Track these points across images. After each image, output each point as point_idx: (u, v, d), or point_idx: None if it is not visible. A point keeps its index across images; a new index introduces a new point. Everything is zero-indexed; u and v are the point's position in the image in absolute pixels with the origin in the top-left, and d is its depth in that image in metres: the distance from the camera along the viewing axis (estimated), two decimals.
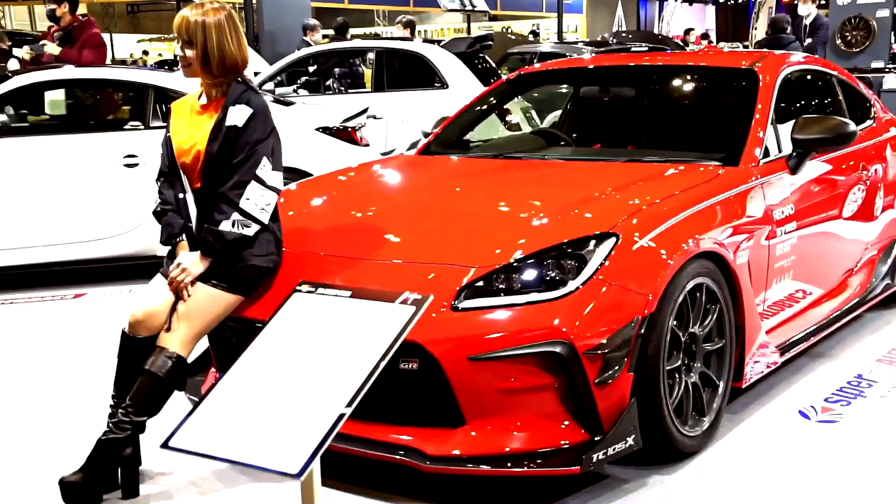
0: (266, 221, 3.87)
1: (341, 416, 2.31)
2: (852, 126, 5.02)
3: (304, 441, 2.31)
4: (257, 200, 3.82)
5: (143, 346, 3.81)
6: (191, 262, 3.81)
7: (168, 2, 18.64)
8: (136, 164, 7.26)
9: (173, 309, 3.81)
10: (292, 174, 7.23)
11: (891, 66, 13.59)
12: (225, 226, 3.78)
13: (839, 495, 3.73)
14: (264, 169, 3.87)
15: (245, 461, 2.37)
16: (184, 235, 3.97)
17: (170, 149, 4.03)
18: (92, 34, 9.39)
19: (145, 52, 26.98)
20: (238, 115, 3.85)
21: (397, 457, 3.63)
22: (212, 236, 3.79)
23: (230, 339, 4.04)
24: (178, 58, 3.98)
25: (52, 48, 9.16)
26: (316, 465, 2.38)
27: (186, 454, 2.61)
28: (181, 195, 4.00)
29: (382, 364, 2.37)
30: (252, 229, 3.83)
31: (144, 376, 3.72)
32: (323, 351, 2.53)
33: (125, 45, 28.09)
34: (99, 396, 4.48)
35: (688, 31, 26.18)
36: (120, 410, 3.73)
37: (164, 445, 2.46)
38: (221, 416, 2.47)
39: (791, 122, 5.01)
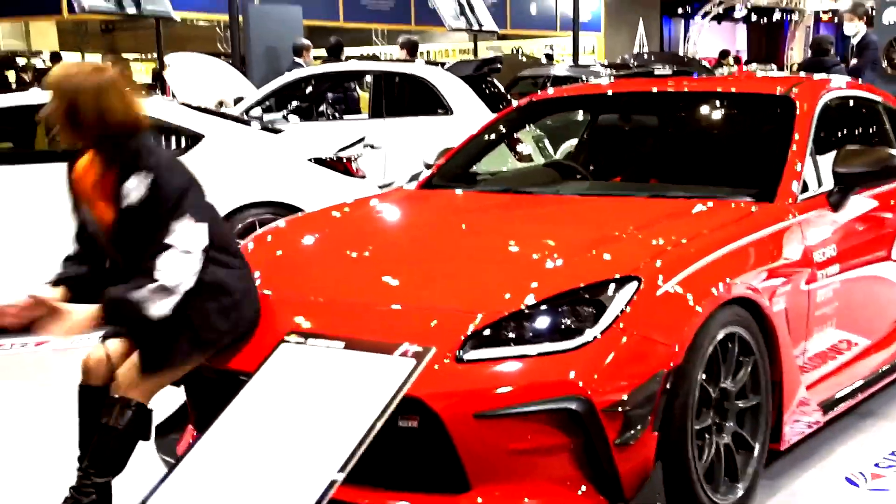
0: (189, 285, 3.71)
1: (333, 482, 2.29)
2: None
3: None
4: (173, 274, 3.71)
5: (103, 397, 3.78)
6: (76, 314, 3.75)
7: (145, 20, 18.72)
8: None
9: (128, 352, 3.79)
10: (281, 209, 7.27)
11: None
12: (142, 299, 3.66)
13: None
14: (180, 234, 3.73)
15: None
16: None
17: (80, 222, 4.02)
18: None
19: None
20: (133, 189, 3.74)
21: None
22: (114, 303, 3.72)
23: (210, 393, 3.92)
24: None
25: None
26: None
27: None
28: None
29: (379, 424, 2.36)
30: (163, 307, 3.67)
31: (102, 431, 3.69)
32: (313, 408, 2.51)
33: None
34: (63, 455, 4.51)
35: (724, 55, 26.03)
36: (79, 472, 3.70)
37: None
38: (200, 482, 2.45)
39: (832, 154, 5.01)
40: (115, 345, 3.86)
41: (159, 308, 3.62)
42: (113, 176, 3.77)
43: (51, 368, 6.51)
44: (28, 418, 5.55)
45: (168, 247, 3.67)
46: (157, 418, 4.35)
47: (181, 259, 3.66)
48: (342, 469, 2.32)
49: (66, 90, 3.72)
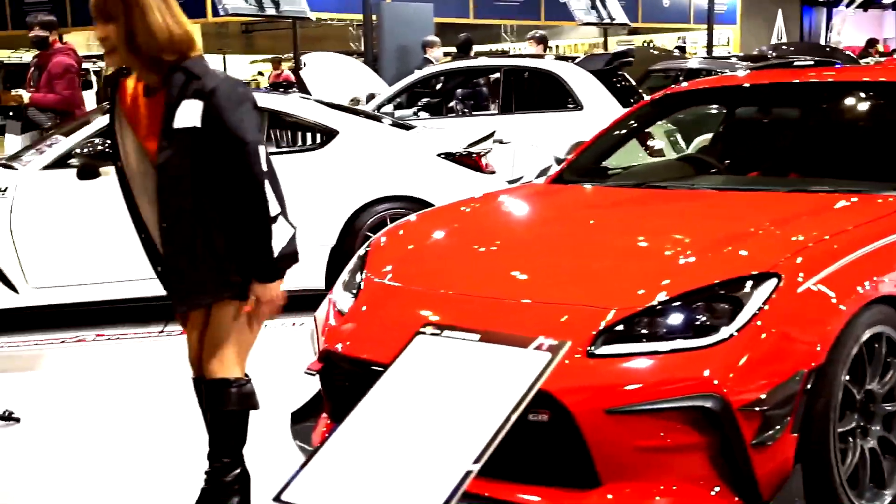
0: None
1: (468, 473, 2.29)
2: None
3: (428, 500, 2.30)
4: (271, 196, 3.58)
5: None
6: (268, 293, 3.68)
7: (283, 20, 19.04)
8: None
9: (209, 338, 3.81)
10: (412, 204, 7.32)
11: None
12: (280, 242, 3.58)
13: None
14: (260, 164, 3.57)
15: None
16: None
17: (115, 138, 3.83)
18: (55, 63, 9.77)
19: (259, 73, 27.67)
20: (188, 112, 3.54)
21: None
22: (278, 262, 3.61)
23: (345, 384, 4.03)
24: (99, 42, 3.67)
25: (25, 95, 9.50)
26: None
27: None
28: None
29: (514, 416, 2.35)
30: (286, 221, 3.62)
31: (215, 417, 3.79)
32: (448, 400, 2.52)
33: (239, 66, 28.88)
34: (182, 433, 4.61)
35: (871, 44, 25.39)
36: (212, 466, 3.78)
37: (276, 499, 2.47)
38: (337, 470, 2.47)
39: None
40: (192, 334, 3.90)
41: (286, 235, 3.61)
42: (168, 99, 3.57)
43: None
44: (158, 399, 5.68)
45: (262, 178, 3.55)
46: (293, 406, 4.46)
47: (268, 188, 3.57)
48: (477, 460, 2.33)
49: (114, 9, 3.51)
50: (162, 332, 7.20)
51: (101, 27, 3.55)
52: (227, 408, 3.76)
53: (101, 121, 7.53)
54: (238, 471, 3.79)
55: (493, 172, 8.21)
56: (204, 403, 3.92)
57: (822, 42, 30.60)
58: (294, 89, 14.03)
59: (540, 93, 11.89)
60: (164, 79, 3.58)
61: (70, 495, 4.57)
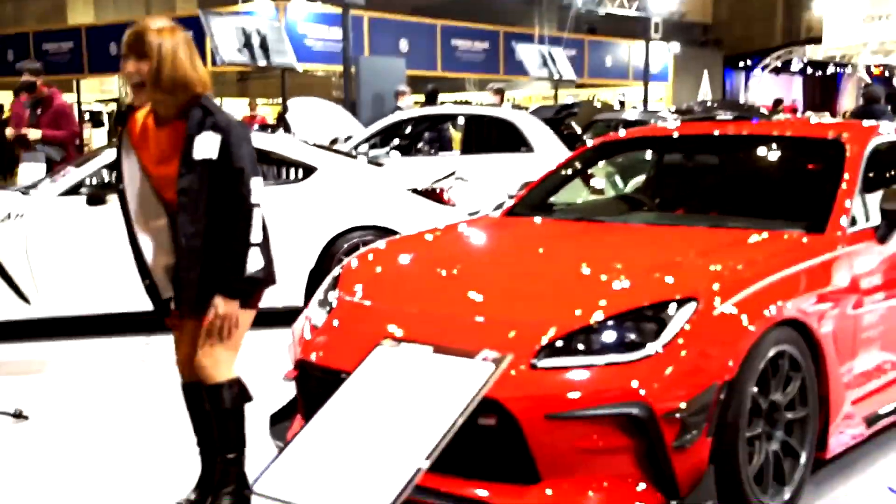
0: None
1: (419, 469, 2.29)
2: None
3: (383, 492, 2.29)
4: (257, 225, 3.64)
5: (194, 389, 3.89)
6: (227, 309, 3.65)
7: (273, 70, 19.11)
8: None
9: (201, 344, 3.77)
10: (382, 232, 7.32)
11: None
12: (252, 267, 3.61)
13: None
14: (255, 195, 3.65)
15: None
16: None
17: (121, 167, 3.82)
18: (59, 104, 10.03)
19: (251, 107, 27.63)
20: (206, 145, 3.60)
21: None
22: (245, 284, 3.65)
23: (318, 390, 3.95)
24: (127, 77, 3.67)
25: (34, 133, 9.56)
26: None
27: (270, 500, 2.59)
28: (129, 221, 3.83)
29: (462, 420, 2.35)
30: (260, 251, 3.65)
31: (219, 418, 3.77)
32: (404, 403, 2.52)
33: (235, 107, 28.85)
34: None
35: (779, 102, 25.89)
36: (220, 466, 3.79)
37: (249, 489, 2.46)
38: (305, 463, 2.47)
39: (880, 193, 4.94)
40: (183, 342, 3.93)
41: (258, 264, 3.62)
42: (182, 131, 3.63)
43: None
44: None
45: (252, 207, 3.61)
46: (271, 410, 4.46)
47: (259, 215, 3.63)
48: (428, 457, 2.32)
49: (148, 50, 3.57)
50: (147, 343, 7.13)
51: (133, 64, 3.59)
52: (226, 406, 3.75)
53: (110, 154, 7.51)
54: (239, 467, 3.77)
55: (454, 206, 8.23)
56: (193, 406, 3.94)
57: (741, 100, 30.91)
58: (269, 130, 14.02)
59: (497, 137, 11.95)
60: (182, 112, 3.63)
61: (76, 488, 4.52)
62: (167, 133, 3.69)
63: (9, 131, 10.13)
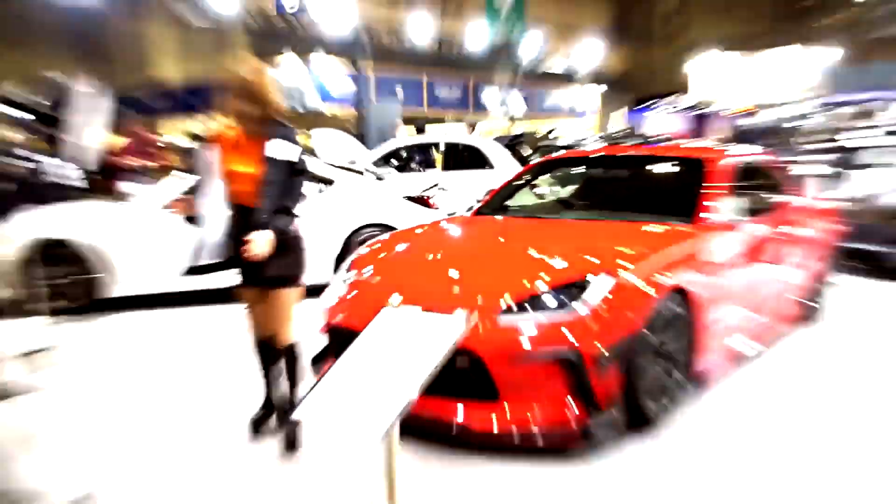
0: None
1: (411, 399, 2.34)
2: (777, 199, 4.98)
3: (387, 413, 2.34)
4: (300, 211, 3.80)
5: (267, 345, 3.95)
6: (263, 239, 3.59)
7: (307, 112, 19.17)
8: None
9: (270, 316, 3.87)
10: (385, 228, 7.34)
11: (807, 158, 13.60)
12: (284, 224, 3.68)
13: (765, 462, 3.68)
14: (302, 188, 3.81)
15: (343, 428, 2.40)
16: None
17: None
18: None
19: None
20: (284, 150, 3.66)
21: (455, 422, 3.69)
22: (279, 233, 3.64)
23: (340, 340, 4.07)
24: (235, 111, 3.69)
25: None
26: (395, 429, 2.41)
27: (308, 422, 2.62)
28: (219, 206, 3.82)
29: (442, 360, 2.40)
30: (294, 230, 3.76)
31: (289, 366, 3.93)
32: (401, 350, 2.55)
33: None
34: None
35: (672, 134, 25.98)
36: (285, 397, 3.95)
37: (290, 416, 2.49)
38: (332, 392, 2.50)
39: (737, 195, 5.00)
40: (256, 310, 3.95)
41: (289, 226, 3.72)
42: (263, 143, 3.65)
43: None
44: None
45: (300, 195, 3.76)
46: (312, 354, 4.51)
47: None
48: (417, 390, 2.36)
49: (257, 92, 3.63)
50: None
51: (240, 102, 3.64)
52: (295, 361, 3.93)
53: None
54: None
55: (437, 208, 8.23)
56: (263, 355, 4.01)
57: (645, 130, 30.97)
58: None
59: (467, 158, 11.96)
60: (264, 128, 3.68)
61: (187, 424, 4.54)
62: (255, 144, 3.67)
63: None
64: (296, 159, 3.68)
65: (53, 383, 5.01)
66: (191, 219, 7.21)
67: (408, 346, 2.52)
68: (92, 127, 5.04)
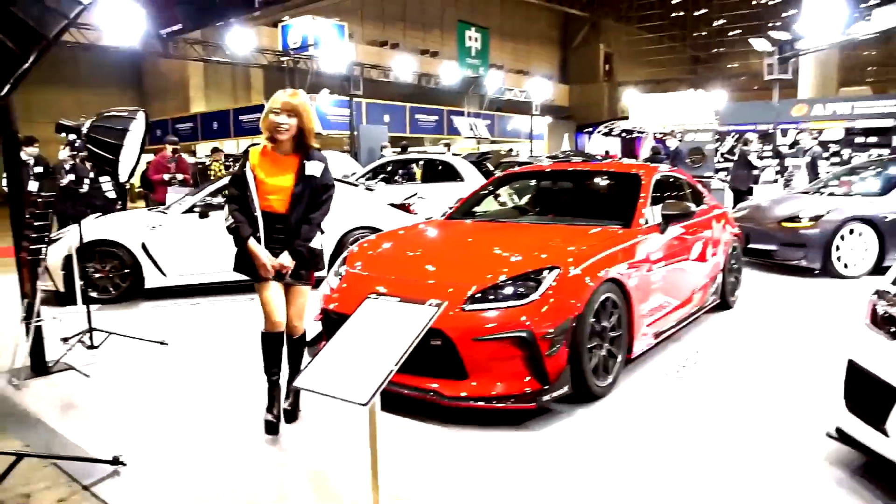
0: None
1: (391, 370, 2.26)
2: (693, 207, 5.00)
3: (370, 384, 2.26)
4: (326, 222, 3.61)
5: (281, 337, 3.63)
6: (288, 261, 3.47)
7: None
8: None
9: (292, 308, 3.64)
10: (373, 230, 7.24)
11: (714, 175, 13.88)
12: (315, 243, 3.55)
13: (686, 422, 3.64)
14: (331, 201, 3.61)
15: (336, 395, 2.31)
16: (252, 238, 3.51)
17: (246, 181, 3.48)
18: (184, 160, 10.45)
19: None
20: (314, 168, 3.49)
21: (428, 396, 3.59)
22: (306, 250, 3.51)
23: (333, 325, 3.97)
24: (278, 125, 3.43)
25: (179, 176, 9.96)
26: (377, 399, 2.32)
27: (305, 390, 2.52)
28: (255, 213, 3.47)
29: (416, 340, 2.31)
30: (318, 244, 3.61)
31: (301, 353, 3.77)
32: (381, 331, 2.47)
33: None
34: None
35: (607, 153, 26.10)
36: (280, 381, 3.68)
37: (292, 385, 2.40)
38: (325, 368, 2.41)
39: (661, 204, 4.97)
40: (283, 311, 3.59)
41: (319, 243, 3.59)
42: (299, 159, 3.49)
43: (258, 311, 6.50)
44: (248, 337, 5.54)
45: (328, 208, 3.58)
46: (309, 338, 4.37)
47: (329, 214, 3.60)
48: (396, 364, 2.27)
49: (299, 113, 3.44)
50: (253, 299, 7.00)
51: (286, 120, 3.42)
52: (304, 346, 3.80)
53: (210, 188, 7.47)
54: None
55: (416, 214, 8.16)
56: (275, 348, 3.62)
57: (586, 150, 31.09)
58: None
59: (442, 172, 11.89)
60: (298, 148, 3.50)
61: (203, 396, 4.41)
62: (288, 160, 3.49)
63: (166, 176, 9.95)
64: (318, 174, 3.51)
65: (93, 363, 4.86)
66: (204, 215, 7.12)
67: (388, 329, 2.44)
68: (131, 148, 4.89)
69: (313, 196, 3.51)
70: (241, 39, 20.83)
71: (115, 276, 6.93)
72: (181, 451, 3.37)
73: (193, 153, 16.70)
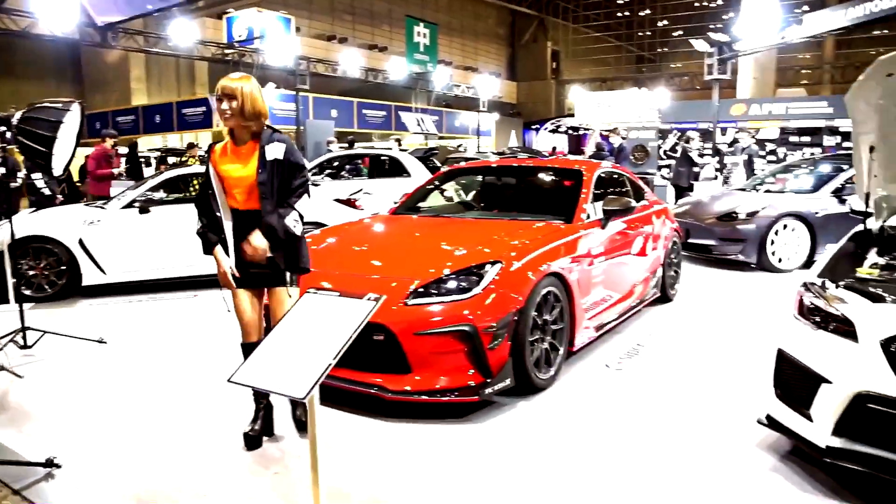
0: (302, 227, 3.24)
1: (329, 363, 2.23)
2: (633, 203, 5.09)
3: (308, 378, 2.23)
4: (305, 207, 3.23)
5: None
6: (260, 242, 3.17)
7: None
8: None
9: (264, 314, 3.42)
10: (318, 226, 7.15)
11: (657, 172, 14.16)
12: (289, 221, 3.16)
13: (625, 412, 3.72)
14: (306, 181, 3.25)
15: (274, 390, 2.27)
16: (219, 245, 3.27)
17: (210, 181, 3.24)
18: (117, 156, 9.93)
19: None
20: (275, 150, 3.17)
21: (372, 391, 3.57)
22: (280, 228, 3.15)
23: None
24: (223, 112, 3.19)
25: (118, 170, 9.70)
26: (315, 392, 2.30)
27: (242, 385, 2.46)
28: (217, 214, 3.23)
29: (354, 334, 2.30)
30: (299, 229, 3.21)
31: None
32: (321, 325, 2.45)
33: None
34: (201, 357, 4.38)
35: (554, 149, 26.40)
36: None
37: (229, 380, 2.35)
38: (264, 362, 2.37)
39: (602, 200, 5.05)
40: (256, 314, 3.37)
41: (298, 228, 3.20)
42: (258, 146, 3.19)
43: (200, 309, 6.35)
44: (189, 336, 5.41)
45: (304, 190, 3.22)
46: None
47: (307, 199, 3.24)
48: (335, 357, 2.26)
49: (236, 95, 3.15)
50: (196, 295, 6.84)
51: (227, 103, 3.15)
52: None
53: (148, 183, 7.30)
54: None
55: (362, 209, 8.11)
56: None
57: (533, 147, 31.38)
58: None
59: (389, 167, 11.83)
60: (255, 135, 3.23)
61: (142, 395, 4.28)
62: (247, 149, 3.22)
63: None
64: (281, 157, 3.18)
65: (26, 363, 4.68)
66: (144, 210, 6.93)
67: (327, 323, 2.42)
68: (66, 142, 4.72)
69: (283, 183, 3.18)
70: (184, 31, 20.30)
71: (51, 274, 6.69)
72: (118, 453, 3.28)
73: (135, 146, 16.17)
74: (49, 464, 3.05)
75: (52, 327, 5.24)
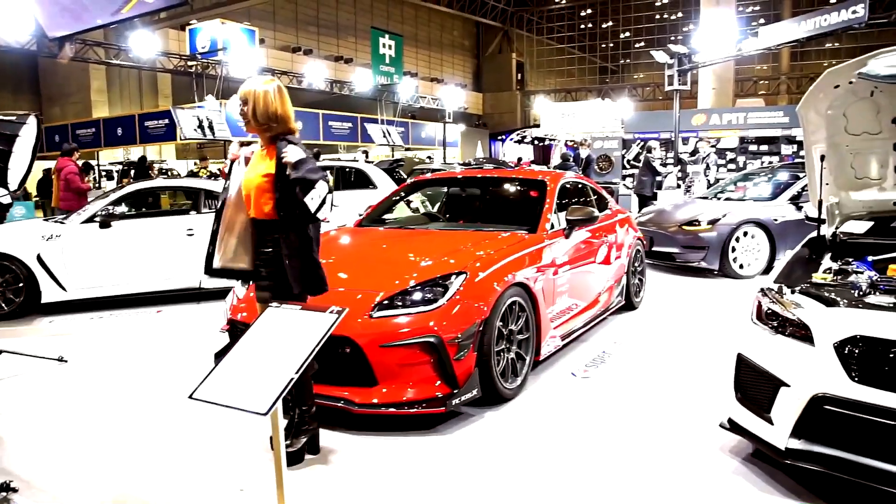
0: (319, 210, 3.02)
1: (292, 378, 2.21)
2: (597, 212, 5.16)
3: (270, 393, 2.21)
4: (320, 194, 2.98)
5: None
6: (292, 155, 3.01)
7: (218, 141, 18.45)
8: (192, 234, 7.03)
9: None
10: None
11: (621, 181, 14.31)
12: (317, 199, 2.98)
13: (592, 419, 3.75)
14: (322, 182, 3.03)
15: (235, 406, 2.23)
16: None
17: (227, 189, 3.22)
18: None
19: (195, 163, 26.38)
20: (294, 153, 3.00)
21: (339, 405, 3.54)
22: (301, 179, 2.96)
23: (239, 335, 3.82)
24: (242, 115, 3.17)
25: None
26: (278, 406, 2.27)
27: (202, 402, 2.40)
28: (214, 227, 3.20)
29: (318, 347, 2.28)
30: (314, 205, 2.97)
31: (298, 383, 3.11)
32: (283, 339, 2.42)
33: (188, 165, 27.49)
34: (174, 375, 4.30)
35: (520, 160, 26.59)
36: (297, 413, 3.29)
37: (190, 397, 2.31)
38: (225, 378, 2.33)
39: (566, 210, 5.10)
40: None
41: (316, 203, 2.98)
42: (274, 150, 3.10)
43: (165, 325, 6.23)
44: (155, 353, 5.30)
45: (321, 181, 2.99)
46: (216, 348, 4.24)
47: (323, 195, 3.00)
48: (297, 371, 2.24)
49: (248, 98, 3.12)
50: (160, 311, 6.72)
51: (242, 107, 3.14)
52: (304, 376, 3.17)
53: (111, 197, 7.16)
54: (310, 414, 3.29)
55: (328, 221, 8.02)
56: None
57: (500, 157, 31.60)
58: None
59: (355, 179, 11.81)
60: (271, 140, 3.16)
61: (104, 415, 4.18)
62: (264, 154, 3.18)
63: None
64: (297, 156, 3.03)
65: None
66: (105, 224, 6.81)
67: (289, 337, 2.39)
68: (22, 156, 4.62)
69: (292, 187, 3.02)
70: (146, 42, 20.04)
71: (8, 291, 6.52)
72: (77, 477, 3.19)
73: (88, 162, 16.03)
74: (5, 488, 2.97)
75: (10, 346, 5.10)
